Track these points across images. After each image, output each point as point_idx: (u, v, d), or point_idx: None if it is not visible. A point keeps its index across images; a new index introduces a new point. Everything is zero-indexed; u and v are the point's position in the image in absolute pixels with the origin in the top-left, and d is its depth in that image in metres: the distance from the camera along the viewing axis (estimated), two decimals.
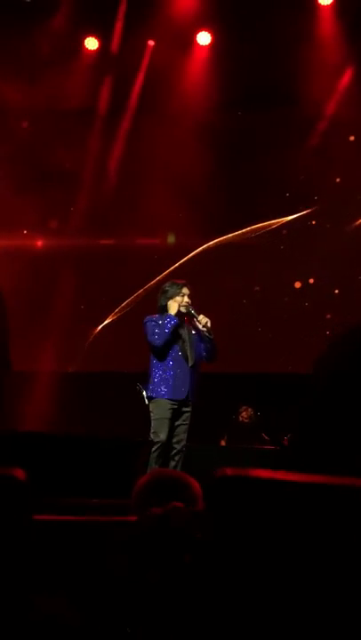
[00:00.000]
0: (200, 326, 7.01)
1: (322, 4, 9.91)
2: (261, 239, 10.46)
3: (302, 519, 0.93)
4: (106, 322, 10.45)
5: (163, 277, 9.88)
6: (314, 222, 10.40)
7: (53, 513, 1.62)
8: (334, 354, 1.15)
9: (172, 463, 6.86)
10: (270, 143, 10.30)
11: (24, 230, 10.60)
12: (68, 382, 9.99)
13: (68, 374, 10.26)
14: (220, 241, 10.49)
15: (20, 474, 0.83)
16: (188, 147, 9.87)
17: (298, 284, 10.40)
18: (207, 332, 6.98)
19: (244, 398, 9.51)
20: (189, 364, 7.02)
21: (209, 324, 6.99)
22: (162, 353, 7.06)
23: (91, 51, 10.45)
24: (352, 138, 10.25)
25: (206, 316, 7.00)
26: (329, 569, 0.89)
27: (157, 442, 6.85)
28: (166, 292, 7.17)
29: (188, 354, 7.05)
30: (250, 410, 9.45)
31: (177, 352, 7.06)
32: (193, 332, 7.12)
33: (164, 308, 7.13)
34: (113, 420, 7.93)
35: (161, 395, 7.00)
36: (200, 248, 10.50)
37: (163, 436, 6.88)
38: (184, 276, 9.83)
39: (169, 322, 7.02)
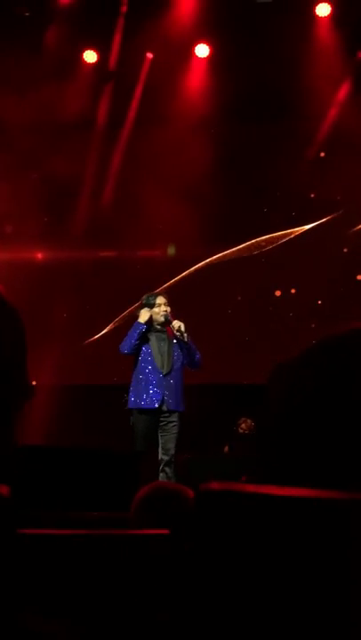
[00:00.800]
0: (174, 331, 7.04)
1: (320, 15, 9.93)
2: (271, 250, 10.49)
3: (291, 534, 0.93)
4: (103, 332, 10.44)
5: (163, 289, 9.91)
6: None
7: (51, 527, 1.61)
8: (292, 370, 1.14)
9: (162, 475, 6.83)
10: (269, 155, 10.32)
11: (24, 242, 10.60)
12: (67, 395, 9.97)
13: (67, 387, 10.24)
14: (225, 255, 10.52)
15: (3, 489, 0.82)
16: (188, 159, 9.88)
17: (278, 293, 10.44)
18: (181, 335, 7.01)
19: (245, 409, 9.50)
20: (163, 373, 7.02)
21: (182, 328, 7.03)
22: (136, 362, 7.13)
23: (89, 63, 10.48)
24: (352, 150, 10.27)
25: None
26: (313, 583, 0.89)
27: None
28: (142, 303, 7.23)
29: (163, 362, 7.06)
30: (249, 421, 9.44)
31: (152, 362, 7.08)
32: (175, 342, 7.14)
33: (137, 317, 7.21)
34: (112, 432, 7.91)
35: (135, 405, 7.04)
36: (204, 262, 10.52)
37: (140, 447, 6.86)
38: (185, 289, 9.88)
39: (135, 329, 7.08)
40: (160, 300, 7.20)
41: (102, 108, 10.45)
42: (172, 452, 6.92)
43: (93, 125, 10.48)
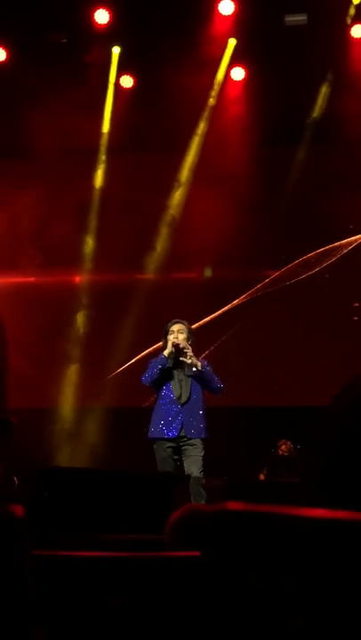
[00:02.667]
0: (188, 363, 7.00)
1: (355, 37, 9.92)
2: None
3: (308, 556, 0.91)
4: (133, 360, 10.38)
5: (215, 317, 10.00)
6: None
7: (82, 549, 1.61)
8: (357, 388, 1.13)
9: (192, 498, 6.78)
10: (307, 178, 10.32)
11: (64, 265, 10.66)
12: (102, 417, 9.99)
13: (104, 409, 10.26)
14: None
15: (18, 510, 0.82)
16: (223, 181, 9.91)
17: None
18: (194, 367, 6.97)
19: (281, 432, 9.45)
20: (181, 402, 7.00)
21: (194, 361, 6.96)
22: (158, 394, 7.10)
23: (126, 88, 10.56)
24: None
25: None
26: (330, 604, 0.87)
27: None
28: (164, 330, 7.22)
29: (181, 392, 7.03)
30: (289, 443, 9.38)
31: (170, 391, 7.06)
32: (193, 369, 7.09)
33: (164, 348, 7.18)
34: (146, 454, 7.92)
35: (153, 435, 7.03)
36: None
37: None
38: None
39: (157, 362, 7.06)
40: (175, 327, 7.16)
41: (138, 131, 10.50)
42: (195, 474, 6.87)
43: (128, 149, 10.54)
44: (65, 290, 10.61)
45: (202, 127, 10.45)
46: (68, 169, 10.41)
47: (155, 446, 7.06)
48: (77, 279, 10.96)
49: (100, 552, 1.42)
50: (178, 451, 7.00)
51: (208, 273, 10.73)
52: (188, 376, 7.07)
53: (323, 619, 0.87)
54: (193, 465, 6.88)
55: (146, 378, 7.16)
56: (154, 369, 7.08)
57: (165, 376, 7.08)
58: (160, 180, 10.60)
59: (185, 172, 10.48)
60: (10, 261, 10.29)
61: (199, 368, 6.98)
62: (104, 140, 10.40)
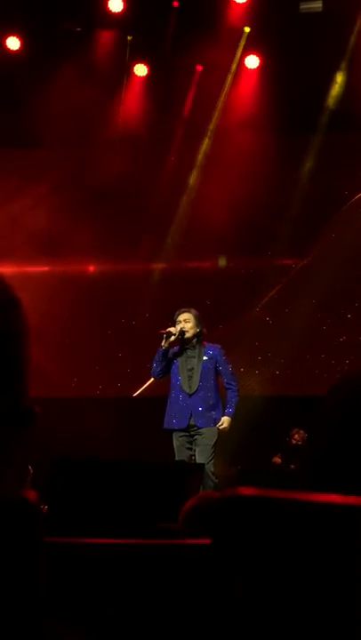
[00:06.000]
0: (176, 333, 7.00)
1: None
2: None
3: (319, 542, 0.91)
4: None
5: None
6: None
7: (97, 537, 1.61)
8: (351, 382, 1.13)
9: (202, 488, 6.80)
10: (321, 167, 10.28)
11: (76, 256, 10.66)
12: (117, 407, 10.01)
13: (118, 399, 10.28)
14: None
15: (31, 496, 0.83)
16: (238, 169, 9.89)
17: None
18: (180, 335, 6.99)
19: (295, 421, 9.44)
20: (188, 392, 7.01)
21: (178, 328, 6.97)
22: (170, 385, 7.13)
23: (140, 77, 10.54)
24: None
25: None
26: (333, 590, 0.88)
27: None
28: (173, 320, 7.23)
29: (189, 382, 7.03)
30: (302, 432, 9.37)
31: (178, 382, 7.07)
32: (205, 358, 7.08)
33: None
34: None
35: (167, 426, 7.06)
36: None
37: None
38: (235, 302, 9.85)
39: (157, 354, 7.10)
40: (181, 317, 7.16)
41: (152, 120, 10.48)
42: (205, 462, 6.88)
43: (143, 138, 10.52)
44: (77, 279, 10.61)
45: (216, 115, 10.41)
46: (83, 158, 10.42)
47: (172, 436, 7.09)
48: (91, 268, 10.97)
49: (111, 540, 1.43)
50: (190, 440, 7.02)
51: (222, 262, 10.71)
52: (203, 365, 7.07)
53: (334, 605, 0.87)
54: (201, 454, 6.90)
55: (152, 371, 7.23)
56: (155, 361, 7.11)
57: (174, 367, 7.08)
58: (176, 167, 10.58)
59: (200, 160, 10.45)
60: (23, 251, 10.27)
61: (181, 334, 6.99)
62: (119, 129, 10.37)
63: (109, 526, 3.14)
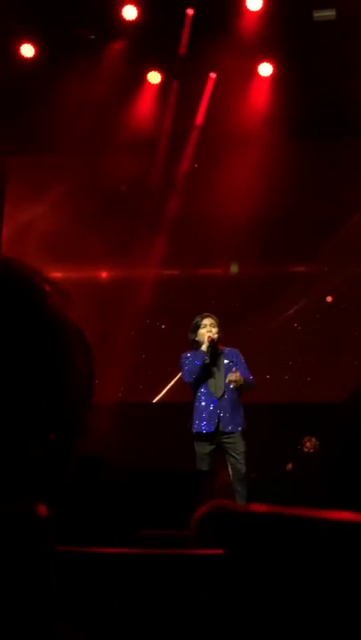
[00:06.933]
0: (230, 385, 6.98)
1: None
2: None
3: (333, 560, 0.92)
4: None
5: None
6: None
7: (106, 545, 1.62)
8: None
9: (236, 495, 6.81)
10: (334, 173, 10.28)
11: (89, 262, 10.68)
12: (138, 413, 10.02)
13: (138, 405, 10.28)
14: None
15: (41, 509, 0.83)
16: (252, 177, 9.90)
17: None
18: (235, 385, 6.96)
19: (307, 429, 9.43)
20: (216, 396, 7.00)
21: (233, 378, 6.93)
22: (195, 390, 7.10)
23: (154, 84, 10.57)
24: None
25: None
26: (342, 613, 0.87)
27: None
28: (192, 324, 7.21)
29: (216, 386, 7.03)
30: (314, 440, 9.36)
31: (206, 386, 7.06)
32: (226, 362, 7.09)
33: (193, 342, 7.17)
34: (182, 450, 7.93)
35: (195, 429, 7.04)
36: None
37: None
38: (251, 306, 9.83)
39: (194, 357, 7.05)
40: (206, 321, 7.15)
41: (166, 127, 10.50)
42: (243, 470, 6.91)
43: (157, 145, 10.54)
44: (89, 285, 10.63)
45: (230, 122, 10.41)
46: (96, 164, 10.45)
47: (195, 442, 7.08)
48: (103, 274, 11.00)
49: (122, 549, 1.43)
50: (217, 446, 7.01)
51: (235, 269, 10.70)
52: (226, 368, 7.07)
53: (348, 624, 0.87)
54: (238, 462, 6.90)
55: (186, 375, 7.15)
56: (193, 365, 7.07)
57: (201, 371, 7.08)
58: (189, 174, 10.60)
59: (213, 167, 10.46)
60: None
61: (238, 385, 6.98)
62: (132, 135, 10.39)
63: (116, 532, 3.14)
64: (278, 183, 9.99)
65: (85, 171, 10.53)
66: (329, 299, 10.18)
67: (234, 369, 6.98)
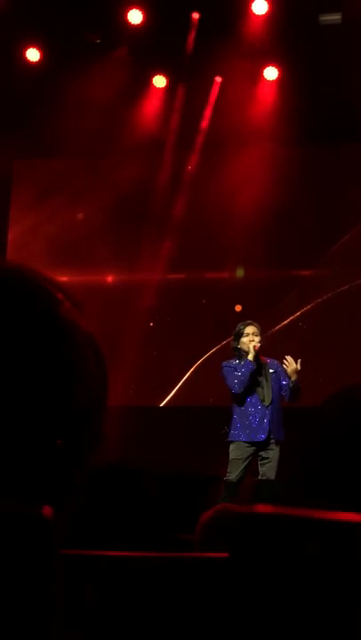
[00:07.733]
0: (290, 377, 7.01)
1: None
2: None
3: (340, 562, 0.91)
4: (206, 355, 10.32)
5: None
6: None
7: (112, 548, 1.61)
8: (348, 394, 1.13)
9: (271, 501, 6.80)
10: (340, 178, 10.26)
11: (95, 266, 10.68)
12: (151, 417, 10.00)
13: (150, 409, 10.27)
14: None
15: (46, 511, 0.83)
16: (257, 180, 9.89)
17: None
18: (292, 382, 6.99)
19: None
20: (266, 405, 7.00)
21: (292, 371, 6.99)
22: (241, 398, 7.07)
23: (159, 88, 10.57)
24: None
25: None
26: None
27: (227, 481, 6.85)
28: (235, 332, 7.20)
29: (265, 394, 7.03)
30: None
31: (254, 395, 7.04)
32: (271, 371, 7.10)
33: (235, 350, 7.15)
34: (194, 454, 7.94)
35: (239, 438, 7.02)
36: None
37: (233, 477, 6.87)
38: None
39: (246, 369, 7.01)
40: (249, 329, 7.13)
41: (171, 131, 10.50)
42: (273, 477, 6.94)
43: (162, 149, 10.55)
44: (96, 289, 10.62)
45: (235, 126, 10.41)
46: (102, 168, 10.46)
47: (231, 446, 7.06)
48: (109, 278, 10.99)
49: (128, 552, 1.42)
50: (255, 454, 7.03)
51: (240, 273, 10.68)
52: (273, 377, 7.10)
53: (355, 625, 0.87)
54: (271, 471, 6.92)
55: (237, 386, 7.08)
56: (243, 376, 7.04)
57: (252, 381, 7.08)
58: (194, 178, 10.59)
59: (218, 171, 10.45)
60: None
61: (294, 382, 7.02)
62: (137, 139, 10.40)
63: (125, 536, 3.13)
64: (284, 187, 9.97)
65: (91, 174, 10.54)
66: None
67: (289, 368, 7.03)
